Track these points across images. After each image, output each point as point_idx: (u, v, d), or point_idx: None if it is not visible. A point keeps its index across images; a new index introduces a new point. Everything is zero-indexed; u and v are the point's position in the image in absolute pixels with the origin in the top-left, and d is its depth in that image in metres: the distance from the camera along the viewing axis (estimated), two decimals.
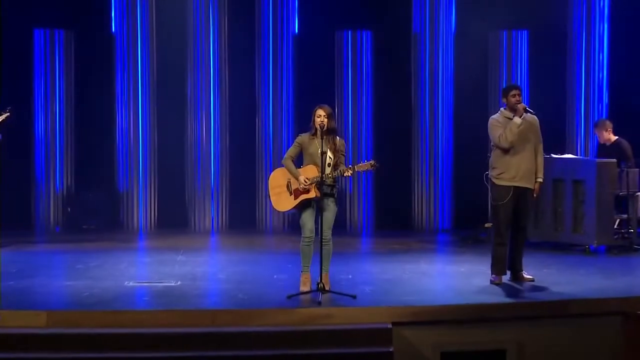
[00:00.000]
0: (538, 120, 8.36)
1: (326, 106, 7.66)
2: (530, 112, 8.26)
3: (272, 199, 7.79)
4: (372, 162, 7.58)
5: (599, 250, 10.38)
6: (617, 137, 10.91)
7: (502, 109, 8.36)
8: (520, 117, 8.12)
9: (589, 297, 7.59)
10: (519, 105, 8.19)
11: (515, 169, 8.15)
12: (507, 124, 8.16)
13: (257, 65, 12.86)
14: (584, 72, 12.62)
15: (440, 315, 7.11)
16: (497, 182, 8.22)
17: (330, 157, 7.59)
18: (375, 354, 6.65)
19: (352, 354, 6.66)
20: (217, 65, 12.76)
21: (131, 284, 8.18)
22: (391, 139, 12.97)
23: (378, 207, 12.97)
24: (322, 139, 7.49)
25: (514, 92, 8.25)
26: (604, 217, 10.22)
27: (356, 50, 12.89)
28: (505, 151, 8.14)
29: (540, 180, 8.30)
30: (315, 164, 7.61)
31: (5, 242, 10.26)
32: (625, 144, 10.78)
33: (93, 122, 12.78)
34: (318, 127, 7.56)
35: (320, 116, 7.57)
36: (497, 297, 7.65)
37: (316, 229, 7.63)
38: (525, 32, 12.88)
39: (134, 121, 12.73)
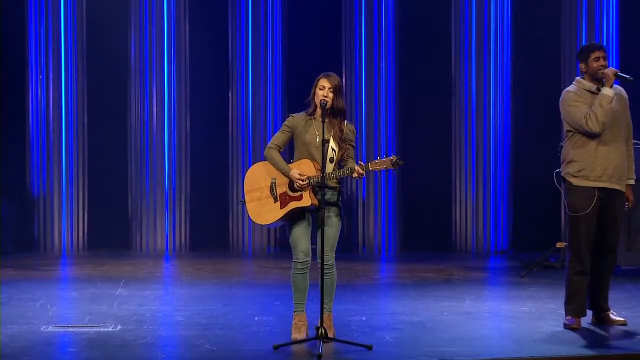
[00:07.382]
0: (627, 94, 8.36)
1: (334, 76, 7.61)
2: (626, 78, 8.21)
3: (248, 207, 7.74)
4: (393, 157, 7.51)
5: None
6: None
7: (578, 78, 8.34)
8: (610, 87, 8.11)
9: None
10: (606, 71, 8.16)
11: (604, 164, 8.12)
12: (589, 98, 8.13)
13: (232, 17, 12.92)
14: None
15: None
16: (576, 182, 8.19)
17: (333, 149, 7.57)
18: None
19: None
20: (174, 18, 12.81)
21: (50, 328, 8.18)
22: (422, 125, 13.02)
23: (404, 221, 13.05)
24: (323, 122, 7.45)
25: (596, 54, 8.23)
26: None
27: None
28: (590, 138, 8.12)
29: (632, 182, 8.30)
30: (311, 157, 7.58)
31: None
32: None
33: None
34: (319, 104, 7.53)
35: (324, 88, 7.53)
36: (574, 347, 7.64)
37: (314, 250, 7.60)
38: None
39: (55, 101, 12.80)
